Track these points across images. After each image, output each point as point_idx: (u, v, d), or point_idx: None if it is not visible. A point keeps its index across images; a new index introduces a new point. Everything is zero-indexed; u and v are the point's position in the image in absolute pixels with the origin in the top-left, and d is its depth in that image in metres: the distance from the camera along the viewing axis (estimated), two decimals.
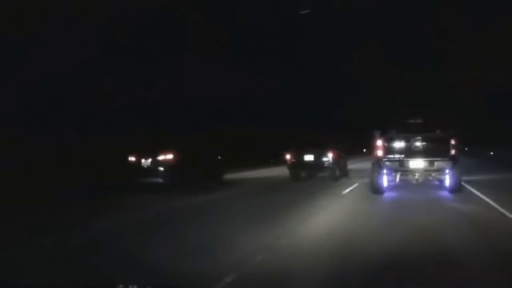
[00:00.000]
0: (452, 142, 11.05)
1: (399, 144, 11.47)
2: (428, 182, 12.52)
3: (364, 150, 16.30)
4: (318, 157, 15.38)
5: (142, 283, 3.92)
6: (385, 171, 11.51)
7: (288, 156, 15.86)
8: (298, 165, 15.70)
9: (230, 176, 16.69)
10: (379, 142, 11.36)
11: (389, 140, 11.49)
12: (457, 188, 11.23)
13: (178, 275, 4.35)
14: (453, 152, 11.01)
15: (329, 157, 15.28)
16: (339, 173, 15.90)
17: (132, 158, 13.18)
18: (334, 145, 15.75)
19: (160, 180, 12.74)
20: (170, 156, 12.86)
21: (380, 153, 11.33)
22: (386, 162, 11.38)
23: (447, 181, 11.38)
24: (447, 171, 11.27)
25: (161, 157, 12.88)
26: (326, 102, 44.94)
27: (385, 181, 11.65)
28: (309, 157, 15.54)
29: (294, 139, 17.44)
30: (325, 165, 15.40)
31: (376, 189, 11.40)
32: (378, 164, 11.40)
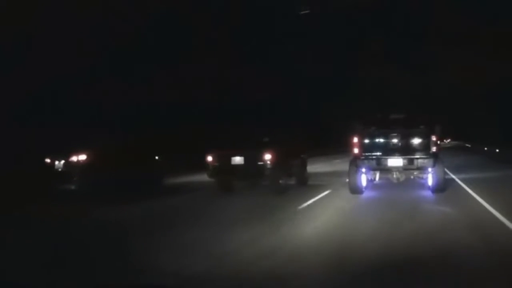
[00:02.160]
0: (433, 138, 10.41)
1: (377, 141, 10.85)
2: (412, 181, 11.84)
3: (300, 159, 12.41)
4: (250, 159, 11.14)
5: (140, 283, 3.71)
6: (363, 170, 10.90)
7: (209, 159, 11.60)
8: (223, 170, 11.46)
9: (178, 180, 15.24)
10: (356, 139, 10.74)
11: (367, 136, 10.88)
12: (440, 188, 10.56)
13: None
14: (434, 149, 10.37)
15: (267, 159, 10.99)
16: (292, 180, 12.42)
17: (48, 160, 11.31)
18: (277, 144, 11.54)
19: (72, 187, 10.65)
20: (83, 157, 10.77)
21: (357, 150, 10.72)
22: (364, 161, 10.75)
23: (430, 180, 10.74)
24: (429, 169, 10.63)
25: (73, 159, 10.87)
26: (326, 102, 44.36)
27: (364, 180, 11.04)
28: (237, 160, 11.28)
29: (222, 135, 13.82)
30: (262, 171, 11.08)
31: (354, 189, 10.77)
32: (355, 162, 10.79)
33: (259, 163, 11.05)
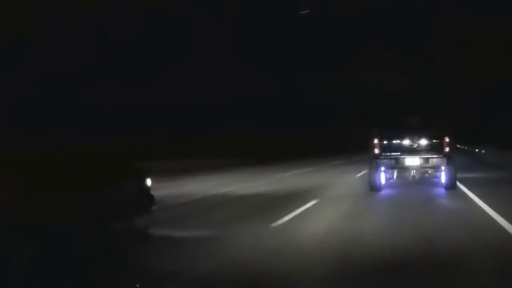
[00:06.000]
0: (447, 139, 11.41)
1: (395, 142, 11.82)
2: (426, 179, 12.76)
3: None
4: None
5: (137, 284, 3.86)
6: (382, 168, 11.85)
7: None
8: None
9: None
10: (376, 140, 11.70)
11: (386, 138, 11.83)
12: (452, 185, 11.54)
13: None
14: (447, 149, 11.38)
15: None
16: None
17: None
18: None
19: None
20: None
21: (377, 150, 11.67)
22: (384, 160, 11.71)
23: (443, 178, 11.72)
24: (442, 168, 11.61)
25: None
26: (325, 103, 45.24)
27: (382, 178, 11.98)
28: None
29: None
30: None
31: (374, 187, 11.70)
32: (375, 161, 11.73)
33: None
